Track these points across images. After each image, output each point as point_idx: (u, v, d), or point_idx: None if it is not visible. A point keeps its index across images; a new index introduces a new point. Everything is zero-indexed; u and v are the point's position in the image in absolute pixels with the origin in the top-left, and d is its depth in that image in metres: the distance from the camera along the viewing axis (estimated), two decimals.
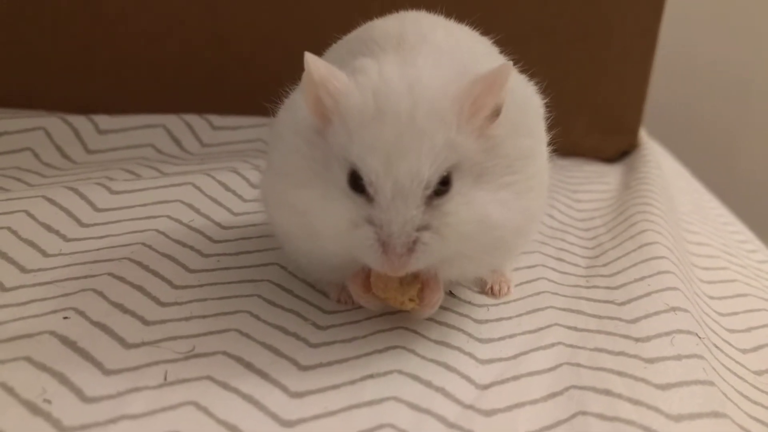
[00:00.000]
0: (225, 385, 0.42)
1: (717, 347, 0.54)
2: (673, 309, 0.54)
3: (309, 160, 0.46)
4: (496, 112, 0.45)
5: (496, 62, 0.48)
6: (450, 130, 0.43)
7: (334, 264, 0.48)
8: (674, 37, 1.12)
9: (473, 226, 0.44)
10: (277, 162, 0.49)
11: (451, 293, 0.56)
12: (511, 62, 0.45)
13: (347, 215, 0.43)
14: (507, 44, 0.58)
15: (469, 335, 0.51)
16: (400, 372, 0.45)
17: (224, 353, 0.45)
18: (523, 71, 0.58)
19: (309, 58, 0.44)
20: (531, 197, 0.48)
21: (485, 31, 0.59)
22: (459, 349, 0.49)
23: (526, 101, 0.53)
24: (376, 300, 0.49)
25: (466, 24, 0.58)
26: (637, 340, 0.51)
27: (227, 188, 0.71)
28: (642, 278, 0.59)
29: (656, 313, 0.53)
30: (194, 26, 0.91)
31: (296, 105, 0.48)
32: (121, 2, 0.89)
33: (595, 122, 1.00)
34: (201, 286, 0.53)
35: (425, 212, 0.43)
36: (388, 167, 0.42)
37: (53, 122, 0.80)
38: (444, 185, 0.43)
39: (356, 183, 0.43)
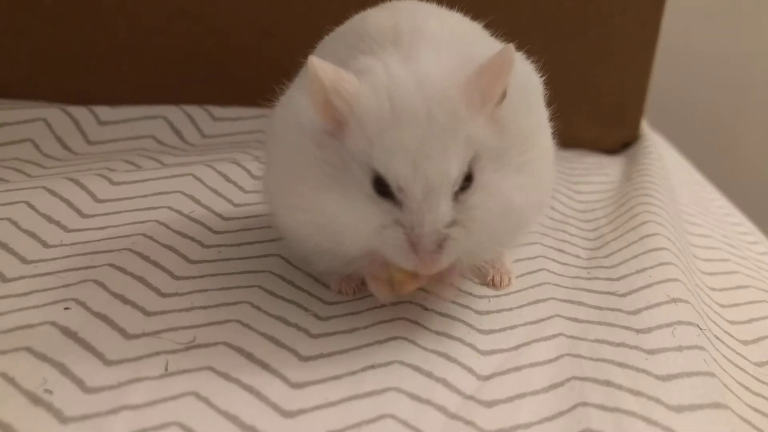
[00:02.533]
0: (226, 376, 0.42)
1: (718, 338, 0.54)
2: (674, 300, 0.54)
3: (321, 162, 0.45)
4: (503, 96, 0.45)
5: (491, 45, 0.48)
6: (467, 125, 0.43)
7: (347, 260, 0.47)
8: (676, 28, 1.12)
9: (498, 214, 0.45)
10: (283, 161, 0.48)
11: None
12: (512, 44, 0.45)
13: (375, 219, 0.43)
14: (507, 34, 0.57)
15: (470, 326, 0.51)
16: (401, 363, 0.45)
17: (225, 344, 0.45)
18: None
19: (315, 61, 0.43)
20: (543, 174, 0.49)
21: (486, 21, 0.59)
22: (460, 340, 0.49)
23: (526, 78, 0.53)
24: (391, 294, 0.48)
25: (466, 14, 0.58)
26: (638, 331, 0.51)
27: (228, 179, 0.70)
28: (643, 269, 0.59)
29: (657, 305, 0.53)
30: (195, 17, 0.90)
31: (297, 104, 0.48)
32: None
33: (596, 114, 0.99)
34: (202, 276, 0.53)
35: (453, 208, 0.43)
36: (415, 170, 0.42)
37: (54, 113, 0.80)
38: (467, 180, 0.44)
39: (382, 188, 0.43)
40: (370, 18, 0.53)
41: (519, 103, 0.48)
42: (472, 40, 0.52)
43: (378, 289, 0.48)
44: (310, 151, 0.45)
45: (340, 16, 0.57)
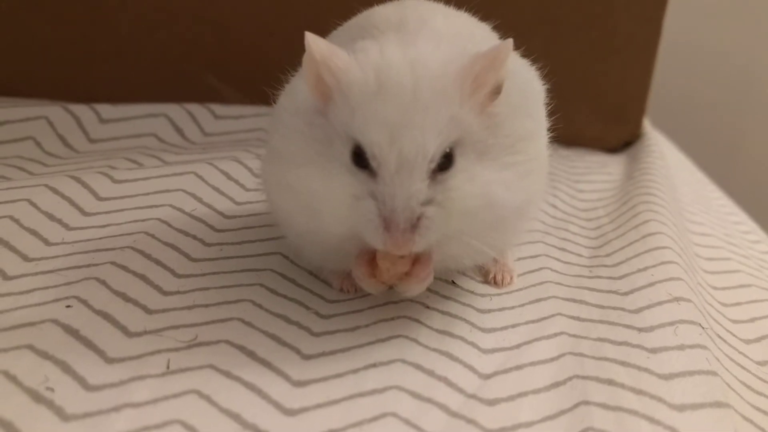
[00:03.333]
0: (228, 374, 0.42)
1: (720, 337, 0.54)
2: (677, 299, 0.54)
3: (310, 140, 0.46)
4: (497, 90, 0.45)
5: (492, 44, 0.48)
6: (453, 106, 0.43)
7: (335, 246, 0.47)
8: (679, 27, 1.11)
9: (477, 201, 0.44)
10: (277, 145, 0.49)
11: (453, 283, 0.56)
12: (511, 40, 0.45)
13: (350, 190, 0.43)
14: (509, 32, 0.57)
15: (472, 325, 0.51)
16: (403, 361, 0.45)
17: (227, 342, 0.45)
18: (525, 59, 0.58)
19: (309, 37, 0.44)
20: (532, 179, 0.49)
21: (488, 19, 0.59)
22: (462, 338, 0.49)
23: (527, 84, 0.53)
24: (379, 285, 0.48)
25: (468, 11, 0.58)
26: (641, 330, 0.51)
27: (229, 177, 0.70)
28: (645, 268, 0.59)
29: (659, 303, 0.53)
30: (196, 15, 0.90)
31: (296, 89, 0.49)
32: None
33: (598, 112, 0.99)
34: (203, 275, 0.53)
35: (429, 187, 0.43)
36: (392, 140, 0.42)
37: (55, 111, 0.80)
38: (447, 160, 0.43)
39: (359, 158, 0.43)
40: (376, 12, 0.54)
41: (517, 105, 0.48)
42: (476, 39, 0.52)
43: (365, 280, 0.47)
44: (302, 130, 0.46)
45: (343, 14, 0.57)
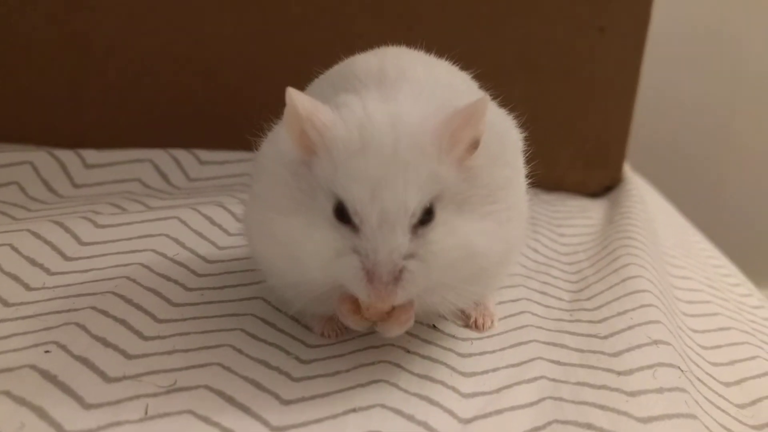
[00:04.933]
0: (206, 419, 0.42)
1: (700, 380, 0.54)
2: (656, 342, 0.54)
3: (293, 191, 0.46)
4: (475, 144, 0.46)
5: (474, 96, 0.49)
6: (432, 162, 0.44)
7: (317, 294, 0.47)
8: (656, 74, 1.14)
9: (458, 253, 0.44)
10: (261, 193, 0.49)
11: (434, 327, 0.56)
12: (488, 96, 0.46)
13: (332, 244, 0.44)
14: (490, 79, 0.59)
15: (453, 369, 0.51)
16: (383, 406, 0.45)
17: (206, 387, 0.45)
18: (506, 106, 0.59)
19: (292, 92, 0.44)
20: (511, 227, 0.49)
21: (468, 66, 0.60)
22: (442, 382, 0.49)
23: (504, 133, 0.54)
24: (363, 321, 0.48)
25: (449, 59, 0.59)
26: (620, 373, 0.51)
27: (213, 222, 0.71)
28: (625, 312, 0.59)
29: (638, 347, 0.54)
30: (182, 61, 0.92)
31: (280, 137, 0.49)
32: (110, 37, 0.90)
33: (579, 157, 1.01)
34: (184, 319, 0.53)
35: (411, 241, 0.43)
36: (373, 196, 0.42)
37: (40, 156, 0.80)
38: (428, 215, 0.44)
39: (342, 213, 0.44)
40: (357, 61, 0.55)
41: (495, 155, 0.49)
42: (456, 89, 0.53)
43: (349, 316, 0.48)
44: (286, 179, 0.47)
45: (327, 60, 0.58)
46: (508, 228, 0.48)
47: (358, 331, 0.50)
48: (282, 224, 0.46)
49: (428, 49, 0.59)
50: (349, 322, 0.49)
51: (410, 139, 0.43)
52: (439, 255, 0.44)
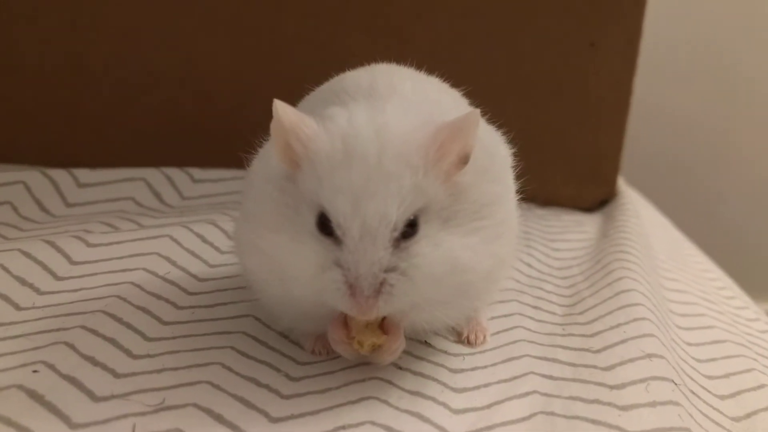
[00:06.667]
0: None
1: (694, 394, 0.54)
2: (649, 356, 0.54)
3: (280, 206, 0.46)
4: (465, 159, 0.46)
5: (462, 111, 0.49)
6: (416, 174, 0.44)
7: (305, 310, 0.48)
8: (649, 88, 1.14)
9: (441, 267, 0.44)
10: (250, 209, 0.50)
11: (426, 343, 0.56)
12: (478, 110, 0.46)
13: (315, 258, 0.44)
14: (484, 96, 0.59)
15: (444, 385, 0.51)
16: (373, 423, 0.45)
17: (195, 405, 0.44)
18: (498, 122, 0.59)
19: (278, 105, 0.45)
20: (500, 243, 0.49)
21: (460, 83, 0.60)
22: (433, 399, 0.49)
23: (493, 149, 0.54)
24: (353, 350, 0.48)
25: (440, 76, 0.60)
26: (612, 387, 0.51)
27: (204, 240, 0.71)
28: (618, 325, 0.59)
29: (631, 360, 0.53)
30: (175, 80, 0.92)
31: (269, 154, 0.49)
32: (103, 56, 0.90)
33: (573, 172, 1.01)
34: (174, 338, 0.53)
35: (393, 254, 0.43)
36: (355, 209, 0.42)
37: (33, 176, 0.80)
38: (411, 228, 0.44)
39: (324, 225, 0.44)
40: (348, 77, 0.55)
41: (483, 171, 0.49)
42: (444, 105, 0.53)
43: (340, 345, 0.48)
44: (273, 195, 0.47)
45: (321, 79, 0.59)
46: (496, 244, 0.48)
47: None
48: (269, 240, 0.46)
49: (419, 66, 0.59)
50: (339, 351, 0.49)
51: (395, 149, 0.43)
52: (422, 268, 0.44)
